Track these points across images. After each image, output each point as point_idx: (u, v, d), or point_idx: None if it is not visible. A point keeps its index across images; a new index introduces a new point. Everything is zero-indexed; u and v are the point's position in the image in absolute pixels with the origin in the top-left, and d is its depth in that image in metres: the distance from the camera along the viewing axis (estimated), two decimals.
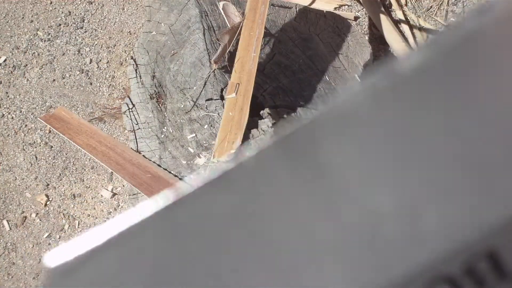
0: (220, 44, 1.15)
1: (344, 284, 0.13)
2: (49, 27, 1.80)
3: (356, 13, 1.66)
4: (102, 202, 1.58)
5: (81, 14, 1.80)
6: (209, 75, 1.13)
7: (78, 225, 1.57)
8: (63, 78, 1.73)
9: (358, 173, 0.13)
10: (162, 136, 1.15)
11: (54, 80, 1.73)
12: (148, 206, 0.13)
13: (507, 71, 0.11)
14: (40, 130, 1.67)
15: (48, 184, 1.61)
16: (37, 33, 1.80)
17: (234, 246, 0.13)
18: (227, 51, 1.13)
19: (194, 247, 0.13)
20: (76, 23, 1.80)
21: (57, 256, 0.14)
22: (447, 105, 0.12)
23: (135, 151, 1.15)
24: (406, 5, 1.70)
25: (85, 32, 1.78)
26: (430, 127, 0.12)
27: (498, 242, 0.13)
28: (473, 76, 0.12)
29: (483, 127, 0.12)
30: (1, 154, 1.66)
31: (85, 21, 1.79)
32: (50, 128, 1.60)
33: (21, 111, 1.70)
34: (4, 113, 1.70)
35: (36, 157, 1.64)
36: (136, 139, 1.17)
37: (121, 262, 0.13)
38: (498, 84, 0.12)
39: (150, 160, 1.13)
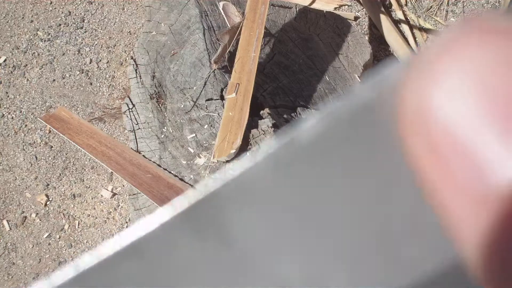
0: (220, 44, 1.15)
1: None
2: (49, 27, 1.80)
3: (356, 13, 1.66)
4: (102, 202, 1.58)
5: (81, 14, 1.80)
6: (209, 75, 1.13)
7: (78, 225, 1.57)
8: (63, 78, 1.73)
9: (264, 243, 0.13)
10: (162, 136, 1.15)
11: (54, 80, 1.73)
12: (66, 271, 0.13)
13: (401, 142, 0.11)
14: (40, 130, 1.67)
15: (48, 184, 1.61)
16: (37, 33, 1.80)
17: None
18: (227, 51, 1.13)
19: None
20: (76, 23, 1.80)
21: None
22: (348, 173, 0.12)
23: (135, 151, 1.15)
24: (406, 5, 1.70)
25: (85, 32, 1.78)
26: (335, 197, 0.12)
27: None
28: (371, 145, 0.12)
29: (385, 195, 0.12)
30: (1, 154, 1.66)
31: (85, 21, 1.79)
32: (50, 128, 1.60)
33: (21, 111, 1.70)
34: (4, 113, 1.70)
35: (36, 157, 1.64)
36: (136, 139, 1.17)
37: None
38: (396, 153, 0.12)
39: (150, 160, 1.13)
